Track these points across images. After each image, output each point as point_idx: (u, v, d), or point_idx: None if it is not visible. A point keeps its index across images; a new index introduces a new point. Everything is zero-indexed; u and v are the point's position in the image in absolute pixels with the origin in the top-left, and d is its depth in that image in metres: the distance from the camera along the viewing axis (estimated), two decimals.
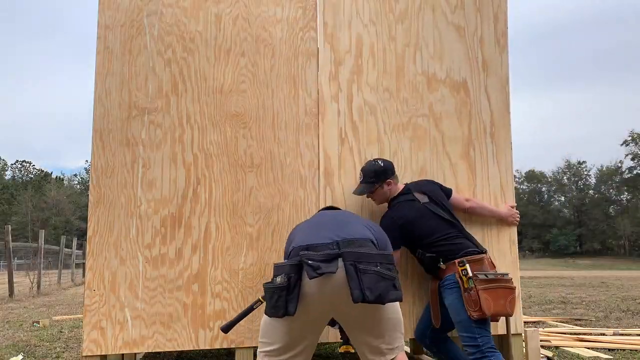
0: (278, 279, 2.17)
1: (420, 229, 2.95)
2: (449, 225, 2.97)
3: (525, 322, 5.35)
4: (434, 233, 2.93)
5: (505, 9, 3.66)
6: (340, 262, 2.15)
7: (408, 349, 4.65)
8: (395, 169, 3.23)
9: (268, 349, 2.29)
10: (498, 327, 3.26)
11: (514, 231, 3.47)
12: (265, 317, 2.31)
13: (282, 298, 2.13)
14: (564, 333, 5.43)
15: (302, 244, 2.29)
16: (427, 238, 2.94)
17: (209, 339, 3.03)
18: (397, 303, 2.27)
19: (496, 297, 2.69)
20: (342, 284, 2.13)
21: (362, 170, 3.12)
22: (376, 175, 3.06)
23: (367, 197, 3.19)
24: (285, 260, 2.30)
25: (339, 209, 2.93)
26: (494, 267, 2.98)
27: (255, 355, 3.10)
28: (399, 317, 2.33)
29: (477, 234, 3.34)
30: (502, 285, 2.74)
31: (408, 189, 3.13)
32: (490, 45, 3.60)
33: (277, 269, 2.23)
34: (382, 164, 3.09)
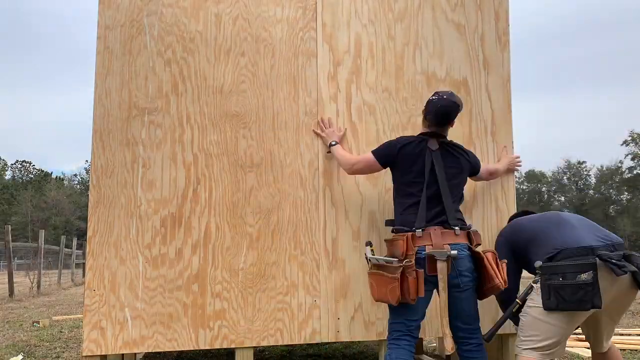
0: (583, 276, 2.40)
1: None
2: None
3: None
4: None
5: (506, 7, 3.65)
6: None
7: None
8: None
9: (542, 344, 2.53)
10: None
11: None
12: (536, 315, 2.54)
13: (588, 293, 2.38)
14: None
15: (583, 244, 2.52)
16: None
17: (208, 339, 3.03)
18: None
19: (380, 283, 2.63)
20: (628, 281, 2.49)
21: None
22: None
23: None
24: (582, 258, 2.48)
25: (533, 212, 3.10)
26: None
27: (254, 356, 3.10)
28: None
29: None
30: (384, 272, 2.60)
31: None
32: (492, 43, 3.60)
33: (576, 266, 2.44)
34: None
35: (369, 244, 2.80)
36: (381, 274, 2.61)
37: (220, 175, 3.17)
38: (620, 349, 4.60)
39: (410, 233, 2.63)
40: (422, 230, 2.63)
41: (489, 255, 2.66)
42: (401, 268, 2.52)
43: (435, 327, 3.27)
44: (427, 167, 2.74)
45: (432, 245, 2.60)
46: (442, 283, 2.56)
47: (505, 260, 2.72)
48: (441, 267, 2.56)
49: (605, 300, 2.44)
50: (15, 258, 14.40)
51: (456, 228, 2.67)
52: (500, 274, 2.62)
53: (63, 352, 4.93)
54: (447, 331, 2.57)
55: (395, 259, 2.60)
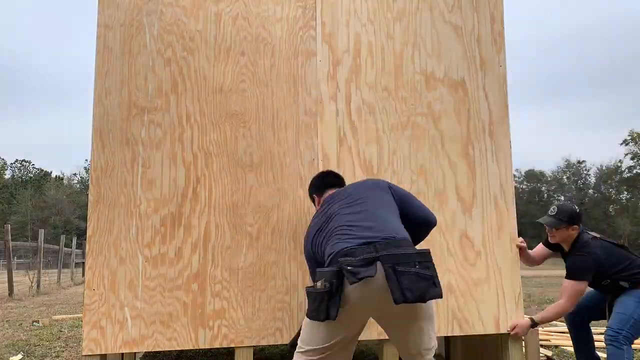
0: (319, 284, 2.24)
1: (610, 262, 3.37)
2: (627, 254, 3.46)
3: None
4: (621, 263, 3.38)
5: (501, 9, 3.66)
6: (379, 265, 2.17)
7: None
8: (396, 169, 3.23)
9: (305, 349, 2.34)
10: (500, 326, 3.27)
11: (514, 230, 3.47)
12: (306, 320, 2.36)
13: (323, 303, 2.20)
14: (564, 332, 5.44)
15: (340, 249, 2.30)
16: (616, 267, 3.36)
17: (208, 338, 3.03)
18: (433, 302, 2.32)
19: None
20: (382, 286, 2.16)
21: (559, 206, 3.46)
22: (570, 217, 3.40)
23: (548, 231, 3.53)
24: (326, 268, 2.31)
25: (341, 177, 2.92)
26: None
27: (254, 355, 3.11)
28: (434, 315, 2.39)
29: (477, 232, 3.35)
30: None
31: (582, 230, 3.49)
32: (488, 44, 3.60)
33: (320, 274, 2.27)
34: (578, 211, 3.45)
35: None
36: None
37: (220, 175, 3.17)
38: None
39: None
40: None
41: None
42: None
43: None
44: None
45: None
46: None
47: None
48: None
49: (359, 311, 2.30)
50: (15, 257, 14.39)
51: None
52: None
53: (63, 351, 4.93)
54: None
55: None
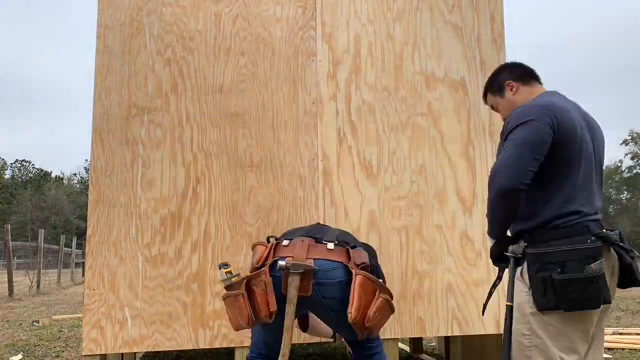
0: (595, 266, 1.82)
1: None
2: None
3: None
4: None
5: (501, 9, 3.66)
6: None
7: (408, 349, 4.65)
8: (396, 169, 3.23)
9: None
10: (500, 326, 3.27)
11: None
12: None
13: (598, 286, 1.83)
14: None
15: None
16: None
17: (208, 339, 3.03)
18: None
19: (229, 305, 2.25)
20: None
21: None
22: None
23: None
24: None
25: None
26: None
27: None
28: None
29: (477, 232, 3.35)
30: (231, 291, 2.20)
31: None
32: (488, 44, 3.60)
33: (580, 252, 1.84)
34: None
35: (222, 266, 2.27)
36: (228, 295, 2.19)
37: (220, 175, 3.17)
38: (620, 349, 4.61)
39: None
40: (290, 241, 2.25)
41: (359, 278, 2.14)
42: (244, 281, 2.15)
43: (435, 326, 3.27)
44: None
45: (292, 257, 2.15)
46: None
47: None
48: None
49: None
50: (15, 257, 14.39)
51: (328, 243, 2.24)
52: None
53: (63, 351, 4.93)
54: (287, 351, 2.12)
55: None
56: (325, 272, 2.14)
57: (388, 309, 2.19)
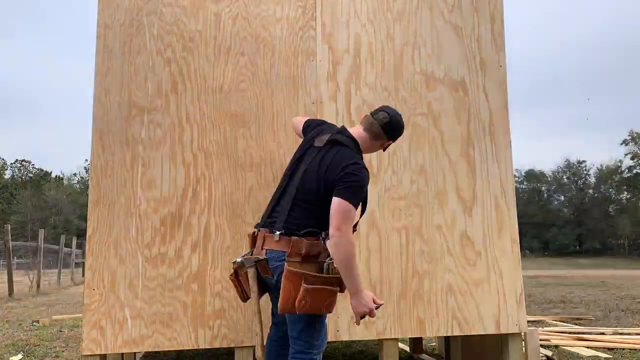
0: None
1: None
2: None
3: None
4: None
5: (501, 10, 3.66)
6: None
7: (408, 348, 4.65)
8: (396, 169, 3.23)
9: None
10: (500, 326, 3.27)
11: (515, 230, 3.47)
12: None
13: None
14: (564, 332, 5.45)
15: None
16: None
17: (208, 339, 3.03)
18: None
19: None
20: None
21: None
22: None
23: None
24: None
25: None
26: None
27: (254, 354, 3.10)
28: None
29: (477, 232, 3.35)
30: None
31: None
32: (488, 45, 3.60)
33: None
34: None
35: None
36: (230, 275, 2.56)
37: (220, 175, 3.17)
38: (620, 348, 4.60)
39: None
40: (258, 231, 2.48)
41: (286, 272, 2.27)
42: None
43: (435, 326, 3.27)
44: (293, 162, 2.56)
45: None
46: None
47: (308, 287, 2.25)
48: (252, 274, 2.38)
49: None
50: (15, 257, 14.39)
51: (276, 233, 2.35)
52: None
53: (63, 351, 4.93)
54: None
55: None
56: (272, 260, 2.36)
57: (318, 294, 2.26)
